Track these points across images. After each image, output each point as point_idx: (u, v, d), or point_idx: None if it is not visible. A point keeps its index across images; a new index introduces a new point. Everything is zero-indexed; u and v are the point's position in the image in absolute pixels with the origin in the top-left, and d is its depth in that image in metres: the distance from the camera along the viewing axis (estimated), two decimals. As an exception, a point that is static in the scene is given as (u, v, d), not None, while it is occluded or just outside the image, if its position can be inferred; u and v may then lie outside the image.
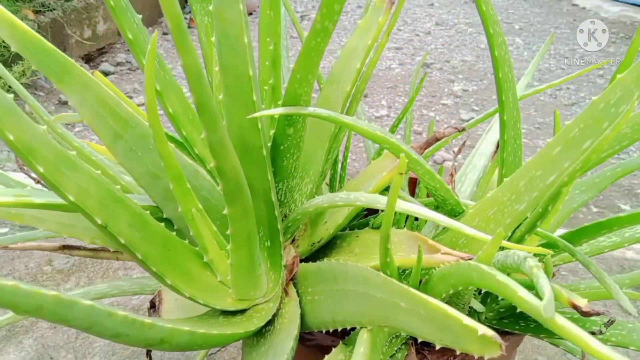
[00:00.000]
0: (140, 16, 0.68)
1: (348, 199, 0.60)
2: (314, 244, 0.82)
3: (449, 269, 0.52)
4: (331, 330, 0.66)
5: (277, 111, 0.54)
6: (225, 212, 0.53)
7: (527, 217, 0.60)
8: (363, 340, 0.53)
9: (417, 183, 0.97)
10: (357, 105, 0.80)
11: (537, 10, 5.60)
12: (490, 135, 0.90)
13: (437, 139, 0.69)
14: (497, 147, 0.94)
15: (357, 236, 0.80)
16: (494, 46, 0.69)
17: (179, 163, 0.55)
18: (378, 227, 0.77)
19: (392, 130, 0.89)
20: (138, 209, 0.56)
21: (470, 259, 0.56)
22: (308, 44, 0.48)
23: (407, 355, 0.69)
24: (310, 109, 0.55)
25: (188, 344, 0.53)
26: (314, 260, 0.82)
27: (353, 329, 0.66)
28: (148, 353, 0.82)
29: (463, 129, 0.69)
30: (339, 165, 0.92)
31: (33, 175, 0.77)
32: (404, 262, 0.63)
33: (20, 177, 0.79)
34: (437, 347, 0.73)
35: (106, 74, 2.96)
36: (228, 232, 0.56)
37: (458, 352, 0.73)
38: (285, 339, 0.62)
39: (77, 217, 0.72)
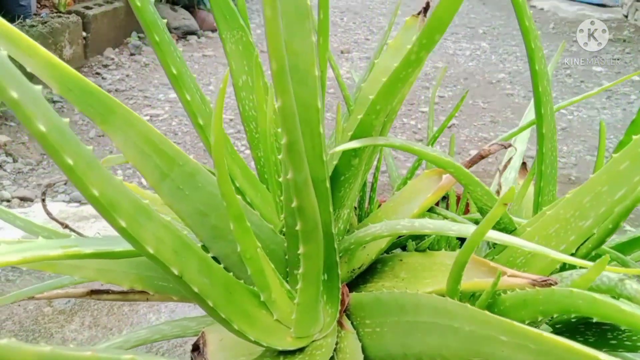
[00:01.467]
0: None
1: (413, 226, 0.58)
2: (353, 270, 0.80)
3: (533, 295, 0.51)
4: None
5: (354, 144, 0.52)
6: (300, 251, 0.50)
7: (593, 234, 0.59)
8: (453, 375, 0.51)
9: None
10: (390, 125, 0.79)
11: (498, 13, 5.74)
12: (518, 146, 0.90)
13: (482, 157, 0.69)
14: (523, 161, 0.94)
15: (401, 260, 0.78)
16: (534, 60, 0.68)
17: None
18: (423, 251, 0.76)
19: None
20: (203, 254, 0.53)
21: (547, 282, 0.55)
22: (397, 74, 0.46)
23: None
24: (383, 139, 0.53)
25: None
26: (355, 287, 0.80)
27: None
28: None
29: (509, 145, 0.68)
30: (368, 187, 0.91)
31: (54, 215, 0.72)
32: (469, 286, 0.61)
33: (34, 216, 0.74)
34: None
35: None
36: (299, 271, 0.53)
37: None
38: (354, 376, 0.60)
39: (117, 263, 0.68)
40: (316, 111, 0.50)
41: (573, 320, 0.53)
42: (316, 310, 0.60)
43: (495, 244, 0.74)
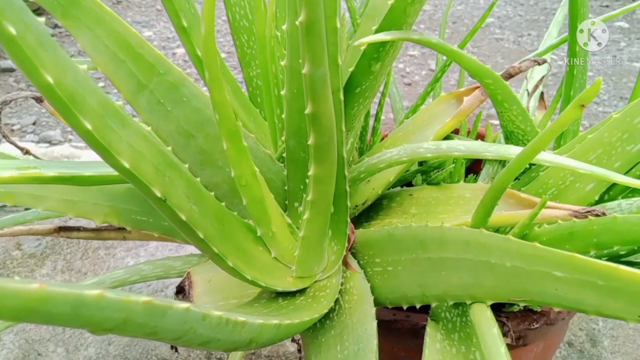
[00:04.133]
0: None
1: (439, 149, 0.49)
2: (357, 206, 0.72)
3: (584, 226, 0.43)
4: (405, 307, 0.57)
5: (383, 37, 0.42)
6: (310, 172, 0.41)
7: (643, 157, 0.51)
8: (488, 318, 0.43)
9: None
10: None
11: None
12: (536, 74, 0.81)
13: (511, 75, 0.60)
14: (535, 86, 0.85)
15: (411, 195, 0.70)
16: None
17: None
18: (437, 184, 0.68)
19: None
20: (191, 177, 0.43)
21: (592, 213, 0.47)
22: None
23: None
24: (417, 34, 0.44)
25: (271, 339, 0.43)
26: (358, 225, 0.72)
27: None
28: (173, 345, 0.70)
29: (544, 62, 0.59)
30: (371, 118, 0.81)
31: (21, 145, 0.62)
32: (499, 220, 0.53)
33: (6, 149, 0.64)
34: (517, 312, 0.66)
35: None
36: (308, 197, 0.44)
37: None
38: (365, 319, 0.52)
39: (87, 192, 0.58)
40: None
41: (622, 253, 0.46)
42: (322, 246, 0.52)
43: (518, 177, 0.66)
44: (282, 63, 0.46)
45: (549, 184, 0.58)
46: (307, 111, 0.36)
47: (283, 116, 0.51)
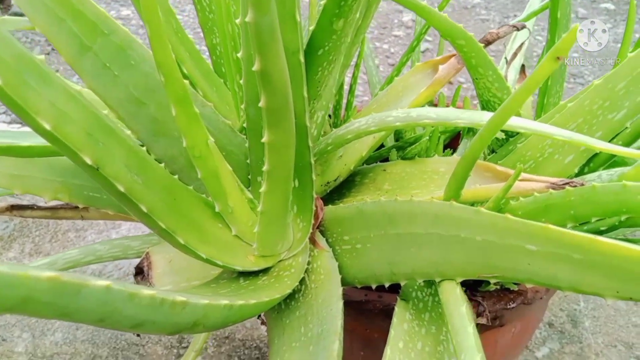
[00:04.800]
0: None
1: (408, 117, 0.46)
2: (328, 183, 0.68)
3: (561, 198, 0.40)
4: (374, 287, 0.54)
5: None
6: (264, 139, 0.37)
7: (625, 128, 0.48)
8: (457, 296, 0.40)
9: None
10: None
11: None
12: (516, 44, 0.78)
13: (489, 42, 0.56)
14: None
15: (384, 170, 0.66)
16: None
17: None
18: (411, 158, 0.64)
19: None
20: (134, 144, 0.39)
21: (570, 185, 0.44)
22: None
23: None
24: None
25: (224, 321, 0.39)
26: (330, 203, 0.68)
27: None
28: (135, 328, 0.67)
29: (523, 27, 0.56)
30: (345, 91, 0.77)
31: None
32: (472, 194, 0.50)
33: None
34: (493, 291, 0.64)
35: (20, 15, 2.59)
36: (263, 168, 0.40)
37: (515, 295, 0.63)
38: (330, 300, 0.49)
39: (35, 166, 0.54)
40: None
41: (602, 229, 0.43)
42: (284, 222, 0.48)
43: (494, 150, 0.63)
44: (237, 21, 0.42)
45: (527, 156, 0.55)
46: (255, 67, 0.32)
47: (242, 82, 0.47)
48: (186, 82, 0.43)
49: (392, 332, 0.43)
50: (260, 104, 0.35)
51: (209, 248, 0.46)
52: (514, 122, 0.38)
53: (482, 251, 0.38)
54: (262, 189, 0.42)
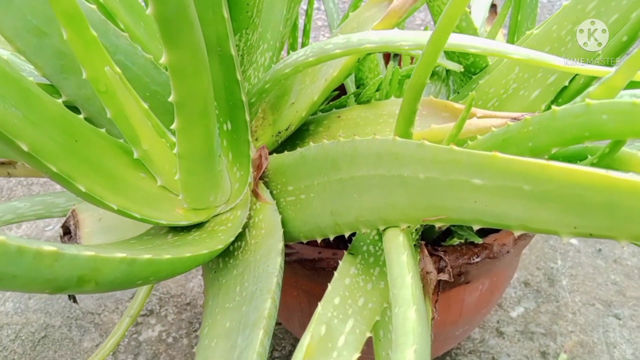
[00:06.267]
0: None
1: (349, 43, 0.39)
2: (279, 133, 0.62)
3: (518, 129, 0.35)
4: (319, 241, 0.49)
5: None
6: (162, 60, 0.31)
7: (597, 55, 0.42)
8: (399, 244, 0.35)
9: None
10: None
11: None
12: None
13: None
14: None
15: (339, 117, 0.60)
16: None
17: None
18: (367, 102, 0.58)
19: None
20: (10, 71, 0.33)
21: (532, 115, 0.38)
22: None
23: (419, 259, 0.52)
24: None
25: (126, 279, 0.33)
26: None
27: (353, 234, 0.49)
28: (70, 295, 0.61)
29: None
30: (299, 32, 0.71)
31: None
32: (429, 135, 0.44)
33: None
34: (456, 245, 0.59)
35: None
36: (171, 97, 0.34)
37: (480, 249, 0.58)
38: (268, 255, 0.44)
39: None
40: None
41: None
42: (211, 168, 0.42)
43: (459, 90, 0.57)
44: None
45: (490, 93, 0.49)
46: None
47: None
48: (92, 6, 0.36)
49: (330, 287, 0.37)
50: (147, 11, 0.28)
51: (122, 199, 0.40)
52: (461, 40, 0.32)
53: (425, 191, 0.33)
54: (174, 125, 0.35)
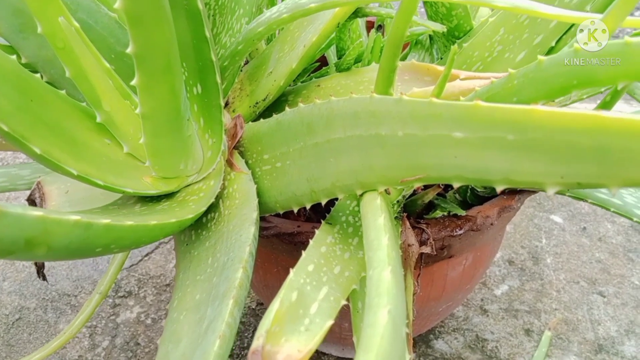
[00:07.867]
0: None
1: (324, -4, 0.37)
2: (257, 103, 0.60)
3: (502, 86, 0.33)
4: (296, 211, 0.47)
5: None
6: (117, 5, 0.28)
7: (586, 9, 0.40)
8: (376, 207, 0.33)
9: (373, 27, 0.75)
10: None
11: None
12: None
13: None
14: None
15: (318, 85, 0.58)
16: None
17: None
18: (347, 69, 0.56)
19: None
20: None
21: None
22: None
23: (400, 232, 0.51)
24: None
25: (83, 244, 0.31)
26: (260, 126, 0.60)
27: (331, 204, 0.47)
28: (39, 271, 0.59)
29: None
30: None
31: None
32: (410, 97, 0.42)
33: None
34: (439, 218, 0.57)
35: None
36: (129, 48, 0.32)
37: (464, 220, 0.57)
38: (242, 225, 0.42)
39: None
40: None
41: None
42: (178, 131, 0.40)
43: (442, 56, 0.55)
44: None
45: (474, 57, 0.47)
46: None
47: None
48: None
49: (304, 255, 0.35)
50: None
51: (83, 164, 0.37)
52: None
53: (404, 149, 0.31)
54: (135, 81, 0.33)
